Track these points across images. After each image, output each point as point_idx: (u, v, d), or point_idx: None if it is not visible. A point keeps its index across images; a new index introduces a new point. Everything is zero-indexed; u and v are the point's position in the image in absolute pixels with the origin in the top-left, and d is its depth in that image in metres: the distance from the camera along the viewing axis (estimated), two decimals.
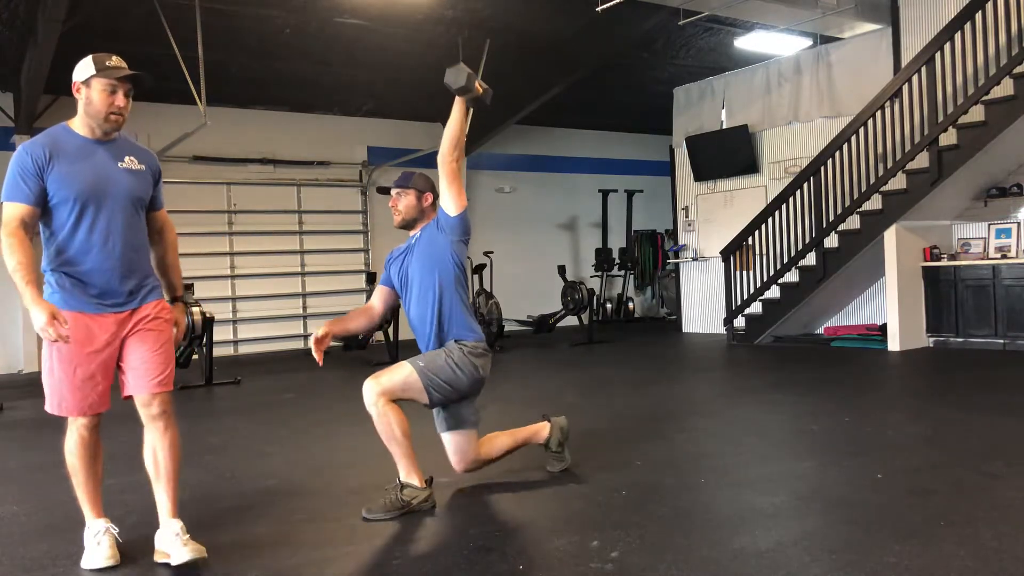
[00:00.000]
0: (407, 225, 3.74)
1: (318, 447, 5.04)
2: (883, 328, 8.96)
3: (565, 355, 9.86)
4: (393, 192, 3.72)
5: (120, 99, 3.04)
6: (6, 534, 3.41)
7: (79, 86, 2.98)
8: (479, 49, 9.82)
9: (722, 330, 10.65)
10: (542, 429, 3.97)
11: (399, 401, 3.50)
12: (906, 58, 9.02)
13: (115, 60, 3.00)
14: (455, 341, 3.61)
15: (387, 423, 3.43)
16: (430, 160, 12.48)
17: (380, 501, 3.41)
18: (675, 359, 9.52)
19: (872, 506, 3.28)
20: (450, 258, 3.60)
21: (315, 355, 3.63)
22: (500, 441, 3.88)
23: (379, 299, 3.87)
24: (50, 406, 3.00)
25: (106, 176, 3.00)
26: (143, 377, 3.17)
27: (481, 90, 3.54)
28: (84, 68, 2.98)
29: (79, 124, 3.04)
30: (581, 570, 2.70)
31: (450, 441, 3.76)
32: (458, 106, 3.54)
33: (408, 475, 3.46)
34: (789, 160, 10.61)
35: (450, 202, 3.57)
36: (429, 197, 3.70)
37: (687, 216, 12.05)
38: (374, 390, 3.44)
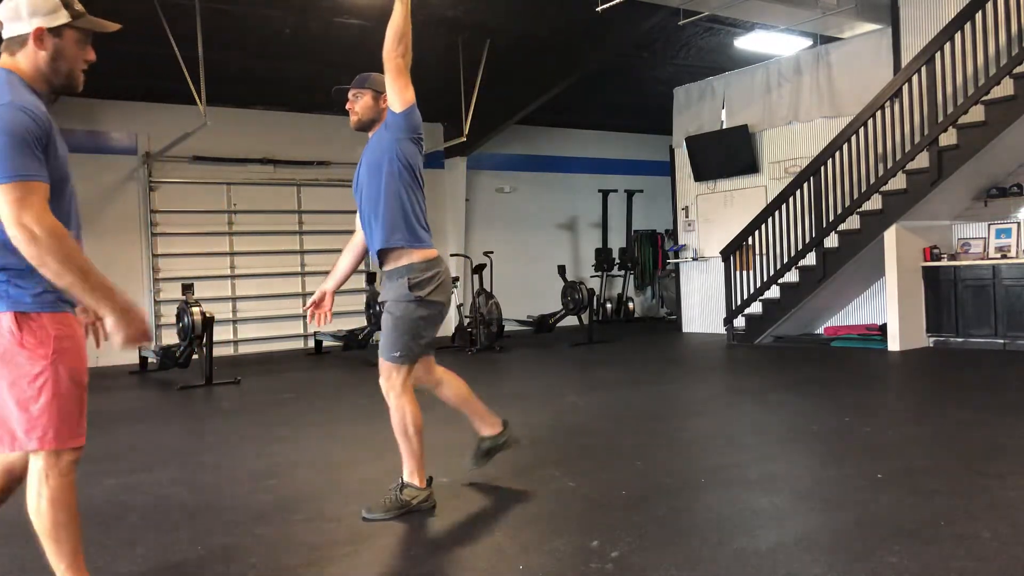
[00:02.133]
0: (363, 127, 3.55)
1: (318, 447, 5.04)
2: (883, 328, 8.96)
3: (565, 355, 9.86)
4: (350, 94, 3.55)
5: (91, 52, 2.40)
6: (7, 534, 3.41)
7: (44, 34, 2.25)
8: (479, 49, 9.81)
9: (722, 330, 10.65)
10: (492, 425, 3.77)
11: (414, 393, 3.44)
12: (906, 58, 9.02)
13: (79, 5, 2.36)
14: (387, 275, 3.44)
15: (401, 417, 3.41)
16: (430, 160, 12.50)
17: (380, 501, 3.41)
18: (675, 359, 9.52)
19: (872, 506, 3.28)
20: (395, 158, 3.39)
21: (313, 320, 3.56)
22: (462, 392, 3.71)
23: (359, 226, 3.65)
24: (61, 438, 2.26)
25: (65, 148, 2.43)
26: None
27: None
28: (50, 10, 2.26)
29: (34, 79, 2.29)
30: (581, 570, 2.70)
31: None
32: (399, 1, 3.45)
33: (411, 475, 3.45)
34: (789, 160, 10.61)
35: (395, 98, 3.39)
36: (387, 99, 3.48)
37: (687, 216, 12.05)
38: (388, 383, 3.41)
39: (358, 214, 3.59)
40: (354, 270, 3.85)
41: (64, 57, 2.31)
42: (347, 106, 3.54)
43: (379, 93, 3.50)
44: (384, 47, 3.41)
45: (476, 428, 3.79)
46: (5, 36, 2.30)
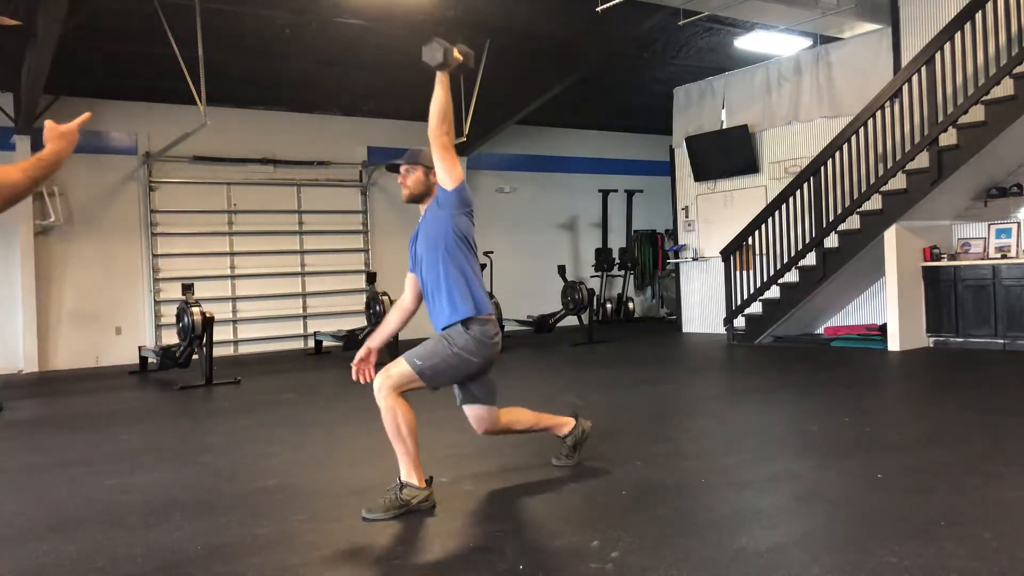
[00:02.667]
0: (415, 200, 3.74)
1: (318, 447, 5.04)
2: (883, 328, 8.96)
3: (565, 355, 9.86)
4: (402, 169, 3.74)
5: None
6: (6, 534, 3.41)
7: None
8: (479, 49, 9.81)
9: (722, 330, 10.65)
10: (566, 424, 4.06)
11: (407, 393, 3.51)
12: (906, 58, 9.02)
13: None
14: (461, 323, 3.59)
15: (393, 418, 3.44)
16: None
17: (380, 501, 3.41)
18: (675, 359, 9.52)
19: (872, 506, 3.28)
20: (452, 232, 3.60)
21: (358, 376, 3.62)
22: (524, 416, 3.96)
23: (410, 288, 3.83)
24: None
25: None
26: None
27: (462, 57, 3.55)
28: None
29: None
30: (581, 570, 2.70)
31: (468, 411, 3.81)
32: (440, 81, 3.53)
33: (409, 474, 3.46)
34: (789, 160, 10.61)
35: (445, 176, 3.58)
36: (435, 173, 3.67)
37: (687, 216, 12.05)
38: (383, 384, 3.47)
39: (409, 277, 3.81)
40: (401, 329, 3.99)
41: None
42: (399, 180, 3.74)
43: (429, 168, 3.68)
44: (429, 126, 3.53)
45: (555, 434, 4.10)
46: None
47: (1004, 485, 3.49)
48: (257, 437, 5.50)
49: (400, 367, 3.52)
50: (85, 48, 9.16)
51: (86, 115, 2.35)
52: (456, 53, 3.53)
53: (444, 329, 3.60)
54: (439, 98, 3.52)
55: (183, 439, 5.63)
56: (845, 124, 9.10)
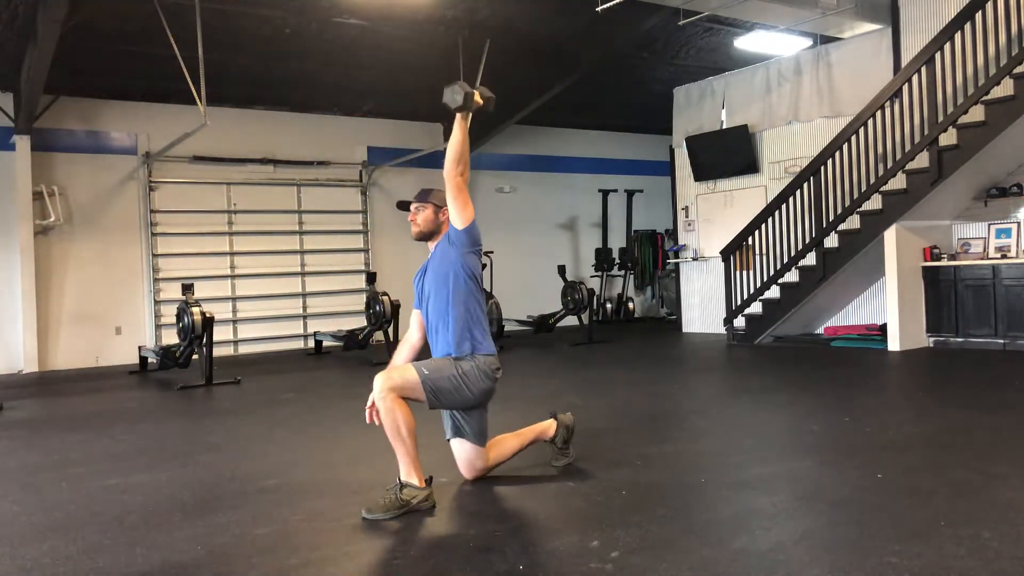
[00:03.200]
0: (424, 237, 3.83)
1: (318, 447, 5.04)
2: (883, 328, 8.96)
3: (565, 355, 9.86)
4: (412, 207, 3.82)
5: None
6: (6, 534, 3.41)
7: None
8: (479, 49, 9.82)
9: (722, 330, 10.65)
10: (549, 428, 4.05)
11: (408, 400, 3.55)
12: (906, 58, 9.02)
13: None
14: (469, 355, 3.69)
15: (393, 419, 3.46)
16: (430, 160, 12.51)
17: (380, 501, 3.41)
18: (675, 359, 9.52)
19: (872, 506, 3.28)
20: (461, 271, 3.70)
21: (371, 419, 3.64)
22: (507, 444, 3.96)
23: (416, 325, 3.94)
24: None
25: None
26: None
27: (482, 100, 3.67)
28: None
29: None
30: (581, 570, 2.70)
31: (455, 448, 3.86)
32: (459, 122, 3.61)
33: (408, 474, 3.46)
34: (789, 160, 10.61)
35: (457, 216, 3.67)
36: (446, 211, 3.75)
37: (687, 216, 12.05)
38: (384, 384, 3.49)
39: (415, 313, 3.91)
40: None
41: None
42: (409, 217, 3.81)
43: (439, 207, 3.77)
44: (445, 167, 3.62)
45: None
46: None
47: (1004, 485, 3.49)
48: (257, 437, 5.50)
49: (405, 372, 3.57)
50: (85, 48, 9.15)
51: None
52: (477, 96, 3.63)
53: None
54: (457, 139, 3.60)
55: (183, 439, 5.63)
56: (845, 124, 9.10)
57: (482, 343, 3.73)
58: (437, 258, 3.78)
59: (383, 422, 3.49)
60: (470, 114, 3.64)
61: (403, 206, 3.91)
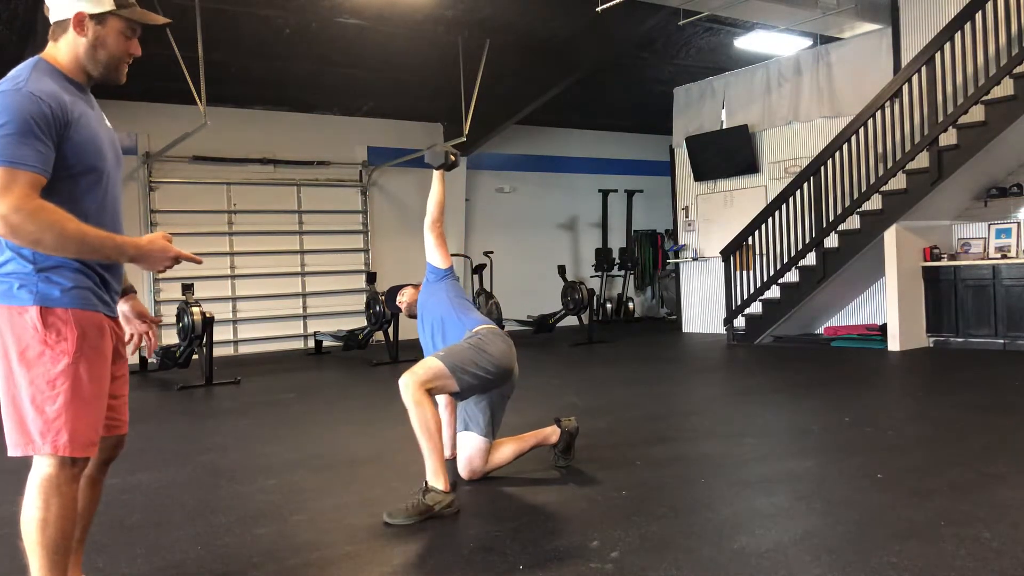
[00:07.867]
0: (414, 315, 4.27)
1: (318, 447, 5.03)
2: (883, 328, 8.96)
3: (565, 355, 9.86)
4: (397, 302, 4.44)
5: (136, 46, 2.34)
6: (7, 534, 3.41)
7: (85, 20, 2.17)
8: (479, 49, 9.82)
9: (722, 330, 10.65)
10: (552, 434, 4.06)
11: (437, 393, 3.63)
12: (906, 58, 9.02)
13: None
14: (472, 331, 3.86)
15: (421, 413, 3.45)
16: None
17: (402, 505, 3.34)
18: (675, 359, 9.52)
19: (872, 506, 3.28)
20: (444, 295, 4.06)
21: None
22: (508, 448, 3.96)
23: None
24: (58, 445, 2.10)
25: (110, 139, 2.32)
26: (121, 414, 2.47)
27: (454, 158, 4.28)
28: None
29: (71, 67, 2.22)
30: (581, 570, 2.70)
31: (460, 443, 3.87)
32: (439, 178, 4.18)
33: (435, 476, 3.43)
34: (789, 160, 10.61)
35: (439, 258, 4.11)
36: (419, 287, 4.29)
37: (687, 216, 12.05)
38: (410, 381, 3.49)
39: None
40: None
41: (104, 46, 2.22)
42: (396, 303, 4.45)
43: (416, 286, 4.37)
44: (428, 218, 4.14)
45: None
46: (52, 20, 2.21)
47: (1004, 485, 3.49)
48: (257, 437, 5.50)
49: (426, 363, 3.57)
50: None
51: (197, 260, 2.41)
52: (452, 156, 4.25)
53: None
54: (440, 193, 4.16)
55: (183, 439, 5.63)
56: (845, 124, 9.10)
57: (480, 320, 3.94)
58: (427, 306, 4.08)
59: (412, 418, 3.46)
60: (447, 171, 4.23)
61: (393, 307, 4.46)
